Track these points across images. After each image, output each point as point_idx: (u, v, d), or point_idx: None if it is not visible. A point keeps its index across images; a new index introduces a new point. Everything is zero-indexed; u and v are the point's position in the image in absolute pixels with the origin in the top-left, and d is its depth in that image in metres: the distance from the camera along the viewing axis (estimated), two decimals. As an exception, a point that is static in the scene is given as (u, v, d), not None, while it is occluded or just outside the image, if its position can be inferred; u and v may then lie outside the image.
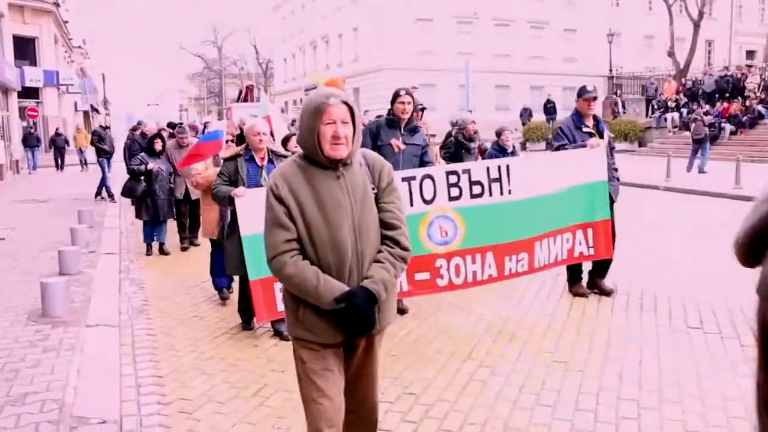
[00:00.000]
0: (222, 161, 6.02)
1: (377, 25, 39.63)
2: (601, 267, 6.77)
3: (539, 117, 32.45)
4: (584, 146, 6.30)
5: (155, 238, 9.86)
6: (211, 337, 5.93)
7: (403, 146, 6.14)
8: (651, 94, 31.34)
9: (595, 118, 6.68)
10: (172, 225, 10.42)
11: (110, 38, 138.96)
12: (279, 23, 57.84)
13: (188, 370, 5.14)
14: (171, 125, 14.96)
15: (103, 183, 16.24)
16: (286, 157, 5.61)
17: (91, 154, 17.70)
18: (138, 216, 10.12)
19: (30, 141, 26.64)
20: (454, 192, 5.67)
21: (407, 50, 39.17)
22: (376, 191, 2.79)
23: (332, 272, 2.66)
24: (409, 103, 6.16)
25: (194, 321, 6.44)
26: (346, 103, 2.65)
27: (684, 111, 27.55)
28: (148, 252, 9.76)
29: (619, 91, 33.11)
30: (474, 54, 36.28)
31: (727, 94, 27.51)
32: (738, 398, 4.28)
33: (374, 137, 6.17)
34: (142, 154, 9.92)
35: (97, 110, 51.86)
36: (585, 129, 6.55)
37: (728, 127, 25.04)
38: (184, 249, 10.09)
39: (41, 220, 12.84)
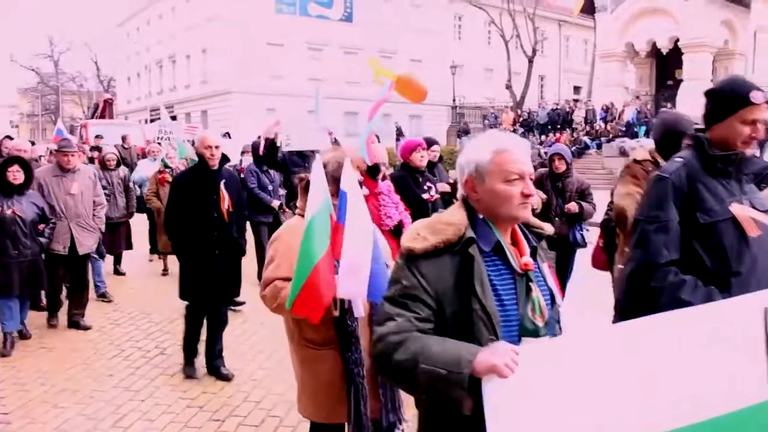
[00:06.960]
0: (404, 253, 1.97)
1: (227, 48, 39.18)
2: None
3: (385, 143, 33.50)
4: None
5: (11, 322, 6.22)
6: (62, 369, 5.71)
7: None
8: (492, 123, 33.48)
9: None
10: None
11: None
12: (123, 40, 55.51)
13: (38, 404, 4.96)
14: None
15: None
16: (548, 238, 2.21)
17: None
18: None
19: None
20: None
21: (258, 74, 39.00)
22: None
23: None
24: None
25: (43, 353, 6.17)
26: None
27: (520, 140, 29.64)
28: (4, 347, 6.12)
29: (465, 120, 35.17)
30: (324, 80, 36.81)
31: (558, 126, 29.99)
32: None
33: (689, 202, 2.57)
34: None
35: None
36: None
37: (558, 157, 27.30)
38: (51, 326, 6.97)
39: None
